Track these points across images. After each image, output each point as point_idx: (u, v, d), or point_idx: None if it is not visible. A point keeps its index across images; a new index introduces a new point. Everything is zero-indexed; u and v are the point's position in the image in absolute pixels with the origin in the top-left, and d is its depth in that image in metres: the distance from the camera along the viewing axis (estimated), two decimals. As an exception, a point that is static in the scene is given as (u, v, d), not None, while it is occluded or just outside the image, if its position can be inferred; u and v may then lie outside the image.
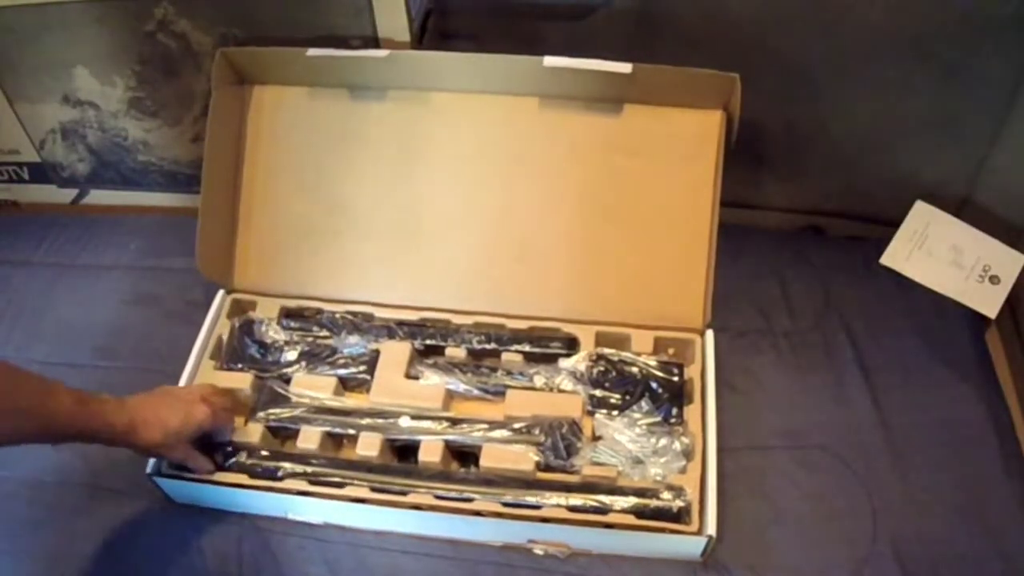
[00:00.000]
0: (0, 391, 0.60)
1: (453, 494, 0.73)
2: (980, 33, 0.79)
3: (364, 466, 0.76)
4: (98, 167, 1.07)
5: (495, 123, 0.85)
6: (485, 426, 0.77)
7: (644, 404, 0.77)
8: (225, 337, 0.85)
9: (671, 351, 0.83)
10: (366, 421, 0.78)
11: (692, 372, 0.80)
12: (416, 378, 0.81)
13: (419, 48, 0.89)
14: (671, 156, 0.82)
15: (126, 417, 0.67)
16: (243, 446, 0.78)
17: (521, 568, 0.75)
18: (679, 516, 0.72)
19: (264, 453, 0.78)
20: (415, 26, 0.87)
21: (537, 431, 0.76)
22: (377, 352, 0.83)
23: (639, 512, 0.72)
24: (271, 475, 0.76)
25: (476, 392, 0.80)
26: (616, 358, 0.81)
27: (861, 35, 0.82)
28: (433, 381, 0.80)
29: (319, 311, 0.87)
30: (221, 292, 0.88)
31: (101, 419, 0.65)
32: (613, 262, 0.84)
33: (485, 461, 0.75)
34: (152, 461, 0.76)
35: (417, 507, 0.73)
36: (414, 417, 0.78)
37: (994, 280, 0.87)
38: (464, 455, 0.78)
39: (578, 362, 0.81)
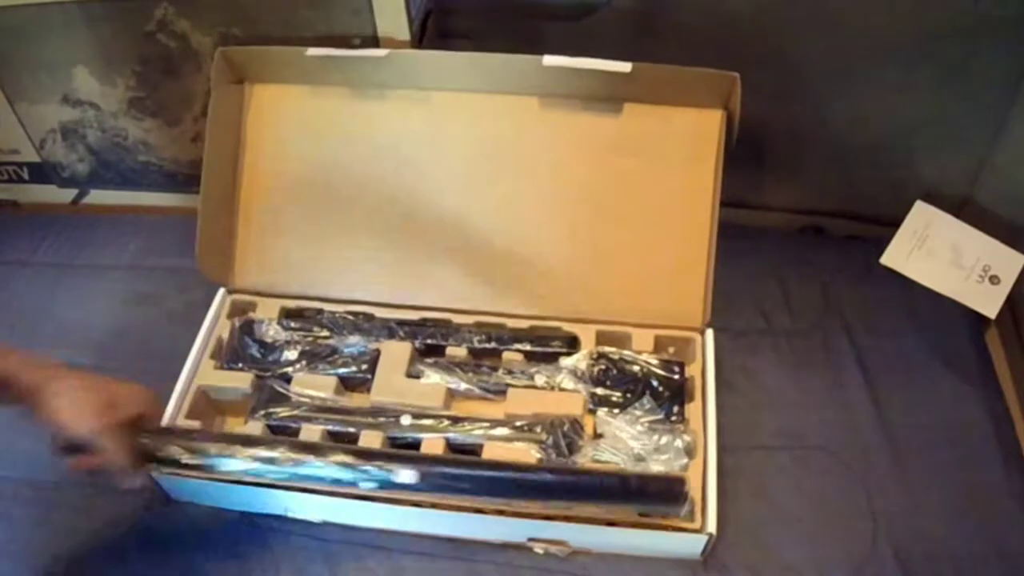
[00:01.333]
0: None
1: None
2: (980, 33, 0.80)
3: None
4: (98, 167, 1.07)
5: (495, 122, 0.85)
6: (486, 424, 0.77)
7: (646, 402, 0.77)
8: (225, 337, 0.85)
9: (671, 350, 0.83)
10: (367, 420, 0.78)
11: (692, 371, 0.80)
12: (417, 377, 0.81)
13: (419, 48, 0.89)
14: (671, 155, 0.82)
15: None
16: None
17: (521, 567, 0.75)
18: (681, 514, 0.72)
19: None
20: (415, 26, 0.87)
21: (539, 429, 0.76)
22: (378, 351, 0.83)
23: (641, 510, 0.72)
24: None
25: (477, 391, 0.80)
26: (617, 357, 0.81)
27: (861, 35, 0.82)
28: (434, 380, 0.80)
29: (319, 311, 0.87)
30: (221, 292, 0.88)
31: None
32: (613, 261, 0.84)
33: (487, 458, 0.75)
34: None
35: (417, 505, 0.73)
36: (415, 416, 0.78)
37: (994, 280, 0.87)
38: (465, 454, 0.78)
39: (579, 361, 0.81)
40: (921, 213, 0.90)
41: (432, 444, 0.76)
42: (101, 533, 0.79)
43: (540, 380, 0.80)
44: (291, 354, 0.84)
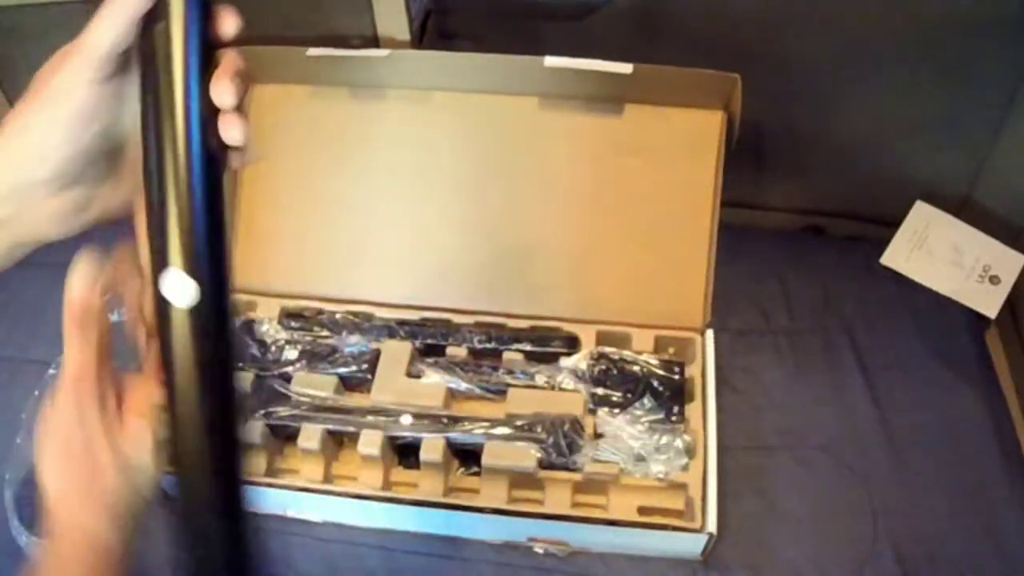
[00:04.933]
0: None
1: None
2: (980, 33, 0.80)
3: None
4: (98, 167, 1.07)
5: (495, 123, 0.85)
6: (487, 424, 0.77)
7: (646, 401, 0.77)
8: (225, 336, 0.85)
9: (671, 350, 0.83)
10: (367, 419, 0.78)
11: (692, 371, 0.80)
12: (417, 377, 0.81)
13: (419, 48, 0.89)
14: (672, 156, 0.82)
15: None
16: None
17: (521, 567, 0.75)
18: (681, 513, 0.72)
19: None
20: (415, 26, 0.87)
21: (539, 429, 0.76)
22: (378, 351, 0.83)
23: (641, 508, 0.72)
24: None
25: (477, 391, 0.80)
26: (617, 357, 0.81)
27: (861, 35, 0.82)
28: (434, 380, 0.80)
29: (319, 311, 0.87)
30: (221, 291, 0.88)
31: None
32: (614, 261, 0.84)
33: (487, 458, 0.74)
34: None
35: (418, 504, 0.73)
36: (415, 415, 0.78)
37: (994, 280, 0.87)
38: (465, 454, 0.78)
39: (579, 361, 0.81)
40: (921, 213, 0.90)
41: (432, 444, 0.76)
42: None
43: (540, 380, 0.80)
44: (291, 354, 0.83)
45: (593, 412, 0.78)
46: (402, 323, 0.85)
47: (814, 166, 0.95)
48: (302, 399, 0.80)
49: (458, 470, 0.78)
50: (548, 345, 0.83)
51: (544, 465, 0.75)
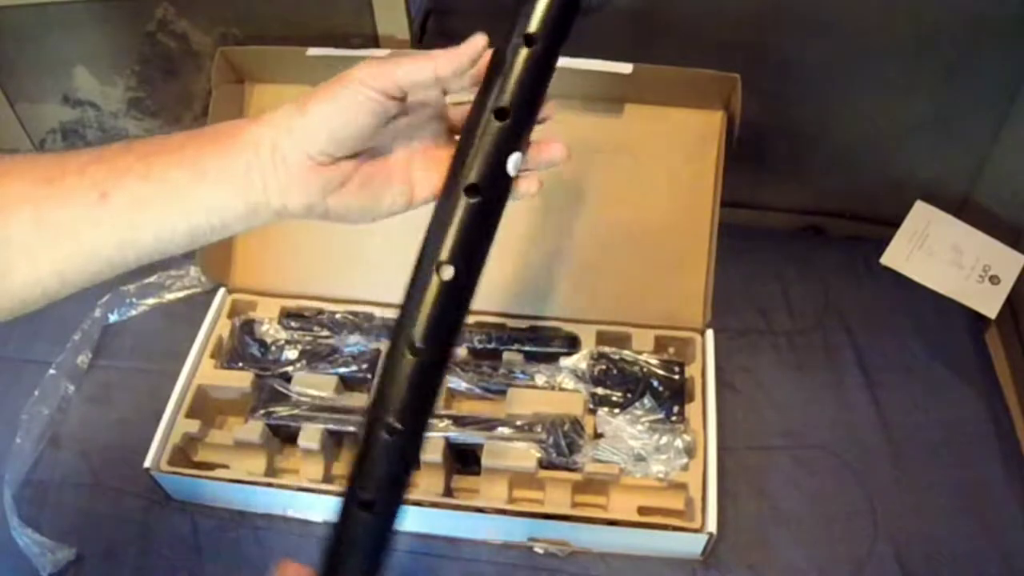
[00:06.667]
0: None
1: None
2: (980, 33, 0.80)
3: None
4: (98, 167, 1.07)
5: (495, 123, 0.84)
6: (487, 424, 0.77)
7: (647, 401, 0.77)
8: (225, 336, 0.85)
9: (671, 350, 0.83)
10: (367, 419, 0.78)
11: (692, 371, 0.80)
12: (417, 377, 0.81)
13: (419, 48, 0.89)
14: (672, 156, 0.82)
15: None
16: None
17: (521, 567, 0.75)
18: (682, 513, 0.72)
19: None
20: (415, 26, 0.87)
21: (539, 429, 0.76)
22: (378, 351, 0.83)
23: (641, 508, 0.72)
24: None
25: (477, 391, 0.80)
26: (617, 357, 0.81)
27: (861, 35, 0.82)
28: (434, 380, 0.80)
29: (320, 311, 0.87)
30: (221, 291, 0.88)
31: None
32: (613, 262, 0.84)
33: (487, 458, 0.75)
34: (150, 455, 0.76)
35: (418, 504, 0.73)
36: (415, 415, 0.78)
37: (994, 280, 0.88)
38: (465, 454, 0.78)
39: (579, 361, 0.81)
40: (921, 213, 0.90)
41: (432, 444, 0.76)
42: (100, 533, 0.79)
43: (540, 380, 0.80)
44: (291, 353, 0.84)
45: (593, 412, 0.78)
46: (402, 323, 0.85)
47: (814, 166, 0.95)
48: (302, 399, 0.80)
49: (458, 470, 0.78)
50: (548, 345, 0.83)
51: (544, 465, 0.75)
